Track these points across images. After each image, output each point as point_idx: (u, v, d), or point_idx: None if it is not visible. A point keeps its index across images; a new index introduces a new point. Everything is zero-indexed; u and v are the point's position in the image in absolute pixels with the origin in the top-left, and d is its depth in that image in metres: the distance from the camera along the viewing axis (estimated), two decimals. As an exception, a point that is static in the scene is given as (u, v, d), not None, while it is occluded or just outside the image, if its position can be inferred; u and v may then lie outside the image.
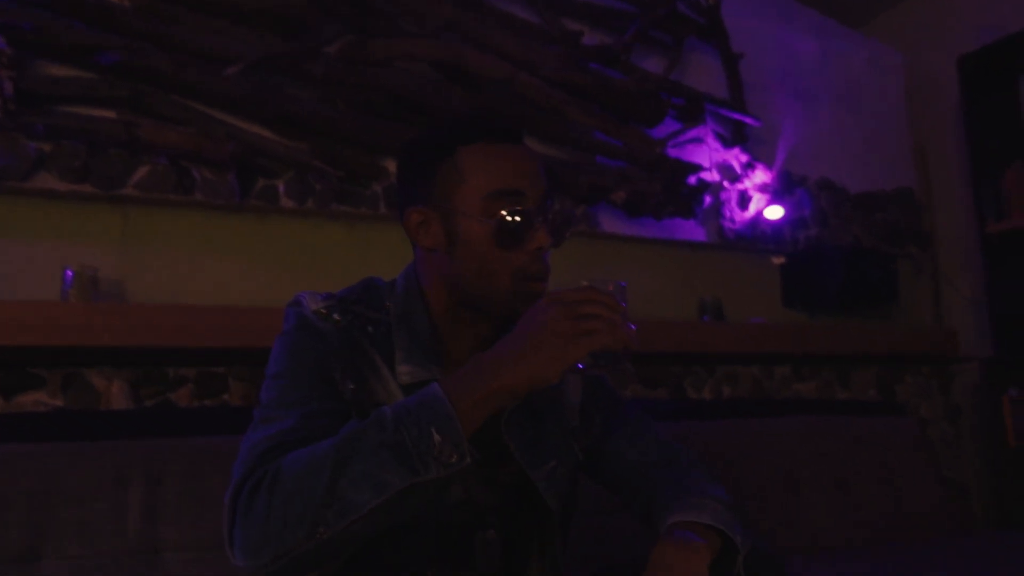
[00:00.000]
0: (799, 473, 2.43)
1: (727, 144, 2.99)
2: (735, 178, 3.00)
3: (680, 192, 2.74)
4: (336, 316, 1.07)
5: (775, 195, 3.05)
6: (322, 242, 2.31)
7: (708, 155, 2.95)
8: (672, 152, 2.82)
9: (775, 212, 3.00)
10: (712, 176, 2.94)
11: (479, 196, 1.03)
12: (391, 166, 2.37)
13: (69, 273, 1.88)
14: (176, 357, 1.97)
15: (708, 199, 2.92)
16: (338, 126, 2.27)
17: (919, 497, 2.63)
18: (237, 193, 2.15)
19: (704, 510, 1.01)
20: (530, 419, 1.11)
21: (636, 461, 1.17)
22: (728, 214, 2.96)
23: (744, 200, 3.00)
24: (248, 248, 2.20)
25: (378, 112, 2.33)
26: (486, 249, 1.02)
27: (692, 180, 2.84)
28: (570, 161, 2.65)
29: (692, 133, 2.89)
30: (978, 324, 3.44)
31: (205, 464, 1.69)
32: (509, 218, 1.01)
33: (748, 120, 3.00)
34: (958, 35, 3.59)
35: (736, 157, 3.01)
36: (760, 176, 3.04)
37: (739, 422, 2.47)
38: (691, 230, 2.87)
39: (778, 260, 3.12)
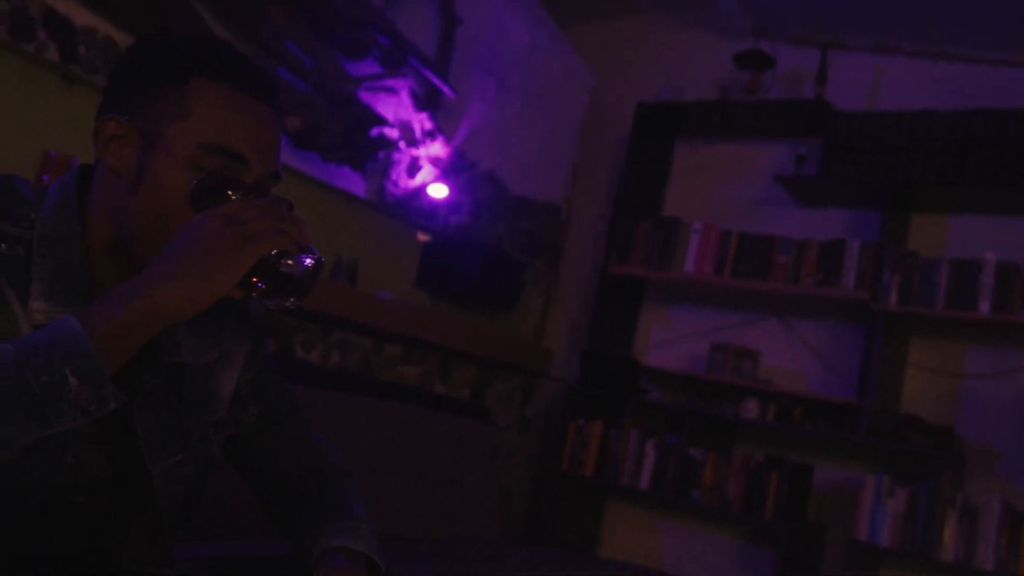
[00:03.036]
0: (386, 460, 2.64)
1: (418, 105, 3.09)
2: (413, 142, 3.11)
3: (359, 141, 2.78)
4: None
5: (444, 172, 3.23)
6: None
7: (395, 110, 3.02)
8: (363, 95, 2.84)
9: (440, 191, 3.19)
10: (392, 133, 3.01)
11: (195, 141, 0.96)
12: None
13: None
14: None
15: (380, 155, 2.99)
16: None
17: (480, 502, 3.02)
18: None
19: (360, 536, 1.10)
20: (170, 402, 1.08)
21: (288, 464, 1.21)
22: (394, 177, 3.06)
23: (414, 168, 3.13)
24: None
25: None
26: (176, 204, 0.96)
27: (374, 132, 2.88)
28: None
29: (389, 81, 2.93)
30: (572, 349, 4.03)
31: None
32: (216, 182, 0.95)
33: (446, 89, 3.13)
34: (645, 78, 4.14)
35: (421, 122, 3.12)
36: (437, 148, 3.20)
37: (344, 397, 2.59)
38: (354, 182, 2.92)
39: (424, 238, 3.32)
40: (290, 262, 0.90)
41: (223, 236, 0.86)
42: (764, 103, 3.69)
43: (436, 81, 3.11)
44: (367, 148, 2.85)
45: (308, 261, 0.91)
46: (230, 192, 0.96)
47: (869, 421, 3.11)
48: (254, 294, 0.91)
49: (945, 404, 3.28)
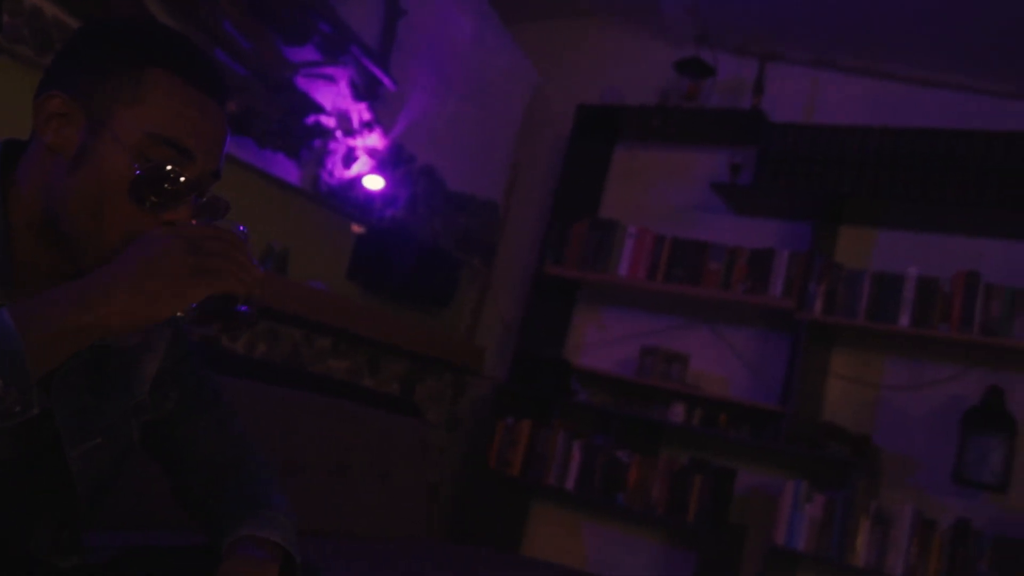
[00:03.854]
0: (312, 454, 2.63)
1: (356, 95, 3.08)
2: (350, 132, 3.10)
3: (294, 128, 2.76)
4: None
5: (381, 164, 3.23)
6: None
7: (333, 99, 3.00)
8: (301, 82, 2.82)
9: (375, 182, 3.18)
10: (329, 121, 3.00)
11: (144, 129, 0.96)
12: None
13: None
14: None
15: (316, 143, 2.97)
16: None
17: (408, 499, 3.03)
18: None
19: (275, 527, 1.10)
20: (90, 383, 1.07)
21: (207, 454, 1.21)
22: (330, 166, 3.05)
23: (350, 158, 3.12)
24: None
25: None
26: (114, 190, 0.96)
27: (310, 120, 2.87)
28: (187, 42, 2.49)
29: (329, 69, 2.91)
30: (504, 348, 4.05)
31: None
32: (159, 173, 0.96)
33: (386, 80, 3.13)
34: (587, 80, 4.19)
35: (360, 112, 3.11)
36: (374, 140, 3.19)
37: (269, 388, 2.58)
38: (287, 170, 2.90)
39: (358, 229, 3.31)
40: (233, 305, 0.91)
41: (183, 261, 0.86)
42: (702, 111, 3.77)
43: (376, 71, 3.10)
44: (303, 135, 2.83)
45: (245, 309, 0.92)
46: (168, 186, 0.97)
47: (790, 428, 3.20)
48: (180, 313, 0.91)
49: (864, 413, 3.40)
